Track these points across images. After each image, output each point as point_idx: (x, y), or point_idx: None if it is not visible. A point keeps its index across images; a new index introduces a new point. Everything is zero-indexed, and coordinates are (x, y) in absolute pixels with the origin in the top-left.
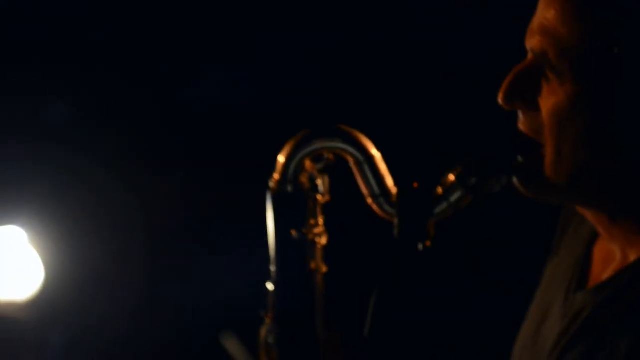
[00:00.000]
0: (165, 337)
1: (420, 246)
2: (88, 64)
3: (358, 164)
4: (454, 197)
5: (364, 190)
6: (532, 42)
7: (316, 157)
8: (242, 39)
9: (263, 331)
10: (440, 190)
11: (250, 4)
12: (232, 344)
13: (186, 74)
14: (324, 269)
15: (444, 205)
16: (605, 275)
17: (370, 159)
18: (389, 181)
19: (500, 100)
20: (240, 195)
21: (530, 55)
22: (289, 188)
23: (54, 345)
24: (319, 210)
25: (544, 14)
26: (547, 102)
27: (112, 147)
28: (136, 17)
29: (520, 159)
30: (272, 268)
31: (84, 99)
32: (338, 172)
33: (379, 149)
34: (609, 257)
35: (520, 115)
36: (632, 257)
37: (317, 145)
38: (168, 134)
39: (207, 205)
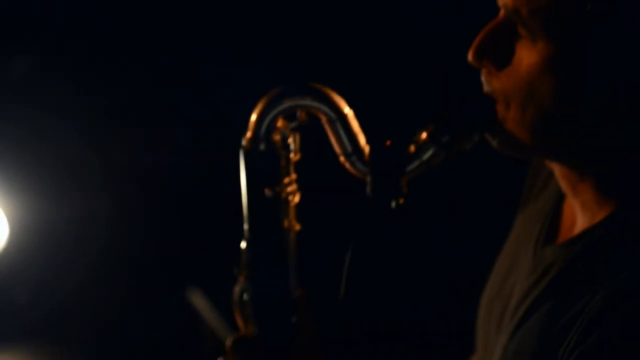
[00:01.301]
0: (125, 291)
1: (393, 204)
2: (50, 21)
3: (330, 122)
4: (426, 155)
5: (337, 148)
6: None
7: (288, 115)
8: None
9: (237, 289)
10: (412, 148)
11: None
12: (197, 299)
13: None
14: (297, 227)
15: (417, 162)
16: (575, 231)
17: (342, 117)
18: (362, 139)
19: (470, 57)
20: (208, 154)
21: (502, 12)
22: (261, 146)
23: (18, 302)
24: (291, 168)
25: None
26: (519, 60)
27: (76, 105)
28: None
29: (490, 116)
30: (245, 226)
31: (48, 57)
32: (311, 130)
33: (351, 106)
34: (578, 213)
35: (485, 77)
36: (600, 215)
37: (289, 103)
38: (136, 92)
39: (176, 164)
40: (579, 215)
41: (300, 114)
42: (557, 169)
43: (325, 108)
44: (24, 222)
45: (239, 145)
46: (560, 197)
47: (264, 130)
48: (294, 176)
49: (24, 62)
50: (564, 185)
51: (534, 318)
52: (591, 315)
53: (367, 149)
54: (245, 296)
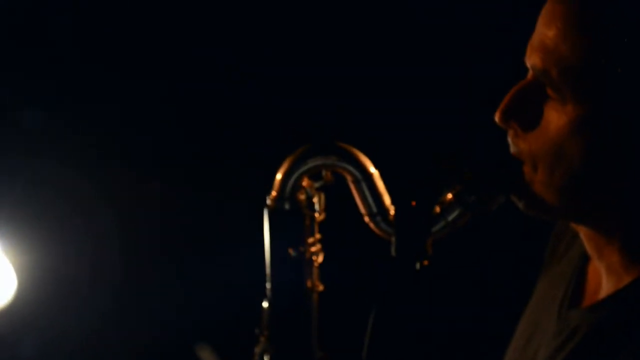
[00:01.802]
0: (139, 345)
1: (418, 265)
2: (58, 69)
3: (356, 181)
4: (452, 216)
5: (362, 208)
6: (533, 60)
7: (314, 175)
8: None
9: (258, 350)
10: (438, 209)
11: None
12: (206, 355)
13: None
14: (320, 287)
15: (442, 223)
16: (601, 295)
17: (368, 176)
18: (387, 199)
19: (497, 118)
20: (225, 208)
21: (530, 73)
22: (286, 205)
23: (26, 356)
24: (315, 228)
25: (545, 32)
26: (547, 121)
27: (86, 154)
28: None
29: (517, 177)
30: (268, 285)
31: (56, 105)
32: (336, 190)
33: (377, 166)
34: (603, 276)
35: (511, 138)
36: (626, 279)
37: (315, 162)
38: (149, 139)
39: (187, 215)
40: (605, 279)
41: (326, 174)
42: (583, 232)
43: (350, 168)
44: (32, 273)
45: (264, 204)
46: (585, 260)
47: (289, 189)
48: (318, 236)
49: (35, 111)
50: (589, 247)
51: None
52: None
53: (392, 209)
54: (265, 357)
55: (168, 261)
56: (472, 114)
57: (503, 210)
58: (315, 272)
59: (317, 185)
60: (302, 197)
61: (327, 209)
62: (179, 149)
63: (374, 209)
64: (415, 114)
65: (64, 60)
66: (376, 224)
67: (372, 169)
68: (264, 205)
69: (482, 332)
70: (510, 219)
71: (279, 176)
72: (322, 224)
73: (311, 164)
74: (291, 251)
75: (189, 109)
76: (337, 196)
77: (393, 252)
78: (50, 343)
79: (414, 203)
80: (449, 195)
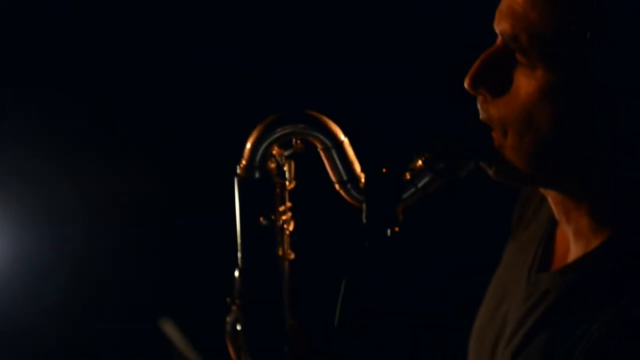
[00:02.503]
0: (103, 317)
1: (389, 232)
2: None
3: (326, 149)
4: (421, 182)
5: (332, 176)
6: (502, 26)
7: (284, 143)
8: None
9: (229, 319)
10: (408, 175)
11: None
12: (170, 330)
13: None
14: (292, 256)
15: (412, 190)
16: (570, 259)
17: (338, 144)
18: (357, 167)
19: (466, 84)
20: (194, 177)
21: (499, 39)
22: (257, 174)
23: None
24: (286, 196)
25: None
26: (517, 87)
27: (49, 138)
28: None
29: (486, 143)
30: (239, 254)
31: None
32: (306, 158)
33: (346, 134)
34: (571, 240)
35: (480, 104)
36: (594, 242)
37: (284, 130)
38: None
39: (157, 184)
40: (573, 242)
41: (296, 142)
42: (551, 196)
43: (320, 135)
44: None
45: (233, 173)
46: (553, 225)
47: (259, 158)
48: (288, 204)
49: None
50: (557, 212)
51: (532, 345)
52: (591, 343)
53: (362, 176)
54: (237, 326)
55: (137, 231)
56: (439, 82)
57: (472, 176)
58: (286, 240)
59: (287, 153)
60: (273, 165)
61: (297, 177)
62: (153, 119)
63: (345, 177)
64: (384, 80)
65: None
66: (347, 191)
67: (342, 137)
68: (234, 174)
69: (452, 296)
70: (479, 184)
71: (248, 145)
72: (292, 192)
73: (280, 132)
74: (262, 220)
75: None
76: (307, 164)
77: (364, 219)
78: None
79: (384, 170)
80: (419, 162)
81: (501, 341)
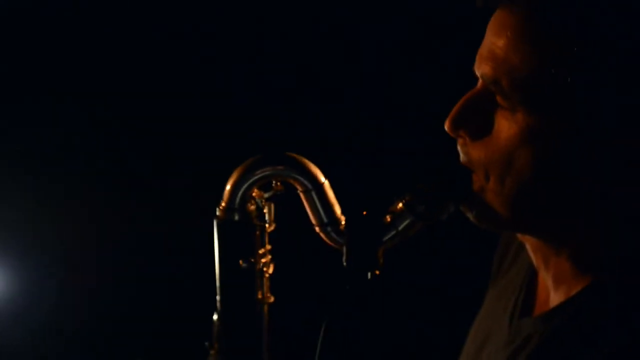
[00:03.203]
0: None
1: (370, 275)
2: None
3: (306, 192)
4: (402, 225)
5: (312, 218)
6: (483, 69)
7: (263, 185)
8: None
9: None
10: (388, 218)
11: None
12: None
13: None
14: (271, 299)
15: (393, 232)
16: (551, 305)
17: (318, 186)
18: (337, 209)
19: (446, 127)
20: (174, 220)
21: (480, 82)
22: (236, 216)
23: None
24: (266, 238)
25: (494, 41)
26: (498, 130)
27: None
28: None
29: (467, 187)
30: (218, 298)
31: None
32: (286, 200)
33: (327, 176)
34: (550, 286)
35: (461, 146)
36: (576, 288)
37: (264, 172)
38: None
39: (138, 227)
40: (553, 289)
41: (276, 184)
42: (530, 243)
43: (300, 177)
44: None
45: (213, 215)
46: (533, 270)
47: (239, 200)
48: (268, 247)
49: None
50: (536, 259)
51: None
52: None
53: (342, 219)
54: None
55: (117, 271)
56: (420, 124)
57: (452, 221)
58: (265, 283)
59: (267, 195)
60: (252, 207)
61: (277, 219)
62: (131, 161)
63: (325, 219)
64: (368, 124)
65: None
66: (327, 234)
67: (322, 179)
68: (213, 216)
69: (433, 342)
70: (459, 229)
71: (228, 187)
72: (272, 234)
73: (260, 174)
74: (241, 262)
75: (143, 119)
76: (287, 206)
77: (344, 262)
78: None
79: (364, 212)
80: (399, 205)
81: None
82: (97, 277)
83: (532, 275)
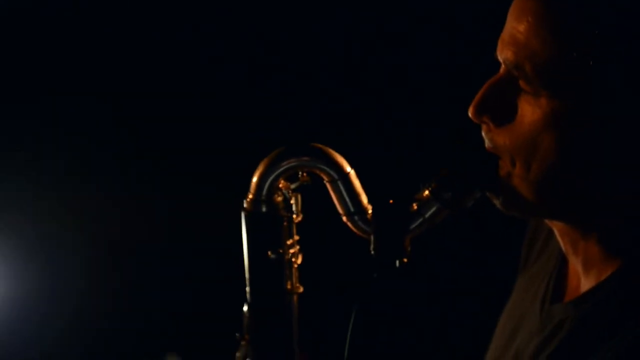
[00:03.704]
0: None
1: (397, 263)
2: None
3: (332, 182)
4: (429, 213)
5: (339, 208)
6: (505, 54)
7: (290, 176)
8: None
9: (239, 355)
10: (415, 206)
11: None
12: None
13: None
14: (300, 289)
15: (419, 220)
16: (582, 290)
17: (344, 176)
18: (364, 198)
19: (470, 113)
20: (202, 212)
21: (503, 68)
22: (263, 208)
23: None
24: (294, 229)
25: (516, 26)
26: (521, 115)
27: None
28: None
29: (493, 173)
30: (248, 289)
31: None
32: (313, 191)
33: (353, 166)
34: (580, 271)
35: (485, 133)
36: (606, 272)
37: (290, 163)
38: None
39: (165, 220)
40: (583, 274)
41: (302, 175)
42: (557, 228)
43: (326, 168)
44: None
45: (240, 208)
46: (564, 256)
47: (266, 192)
48: (296, 237)
49: None
50: (564, 244)
51: None
52: None
53: (369, 208)
54: None
55: (148, 267)
56: (445, 112)
57: (480, 208)
58: (294, 274)
59: (293, 186)
60: (279, 199)
61: (304, 210)
62: (156, 155)
63: (352, 209)
64: (392, 112)
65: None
66: (354, 223)
67: (348, 168)
68: (241, 208)
69: (463, 330)
70: (488, 216)
71: (254, 179)
72: (300, 225)
73: (286, 165)
74: (270, 254)
75: (165, 110)
76: (314, 197)
77: (372, 250)
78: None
79: (391, 201)
80: (426, 193)
81: None
82: (127, 271)
83: (562, 262)
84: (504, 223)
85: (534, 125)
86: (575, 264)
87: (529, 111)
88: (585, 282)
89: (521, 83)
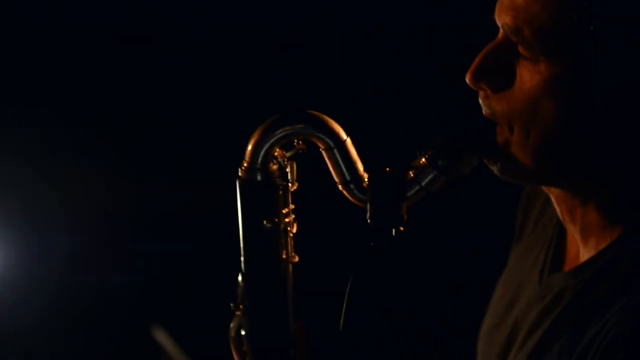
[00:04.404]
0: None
1: (394, 231)
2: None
3: (328, 149)
4: (425, 180)
5: (335, 176)
6: (504, 18)
7: (285, 144)
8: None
9: (233, 324)
10: (411, 173)
11: None
12: (163, 338)
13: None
14: (296, 258)
15: (416, 188)
16: (582, 259)
17: (340, 144)
18: (360, 166)
19: (468, 79)
20: (195, 181)
21: (501, 33)
22: (258, 177)
23: None
24: (289, 198)
25: None
26: (520, 81)
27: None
28: None
29: (490, 140)
30: (242, 259)
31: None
32: (309, 159)
33: (349, 133)
34: (578, 239)
35: (482, 99)
36: (605, 241)
37: (286, 131)
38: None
39: (160, 189)
40: (581, 242)
41: (298, 143)
42: (555, 195)
43: (321, 135)
44: None
45: (235, 176)
46: (562, 225)
47: (261, 160)
48: (291, 206)
49: None
50: (561, 211)
51: (551, 347)
52: (607, 340)
53: (366, 176)
54: (242, 331)
55: (142, 235)
56: (442, 78)
57: (475, 176)
58: (290, 243)
59: (289, 154)
60: (274, 167)
61: (300, 178)
62: (150, 123)
63: (348, 177)
64: (387, 79)
65: None
66: (350, 191)
67: (344, 136)
68: (236, 176)
69: (457, 300)
70: (483, 184)
71: (249, 147)
72: (295, 193)
73: (281, 133)
74: (265, 223)
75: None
76: (310, 165)
77: (368, 219)
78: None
79: (387, 169)
80: (422, 160)
81: (514, 344)
82: (118, 237)
83: (560, 230)
84: (499, 191)
85: (533, 91)
86: (573, 232)
87: (528, 77)
88: (584, 251)
89: (520, 48)
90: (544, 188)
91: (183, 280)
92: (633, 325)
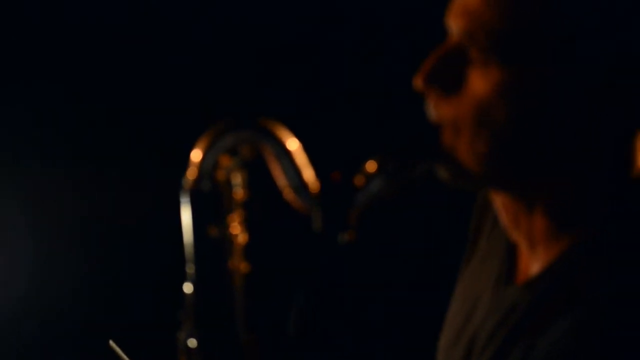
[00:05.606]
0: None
1: (343, 238)
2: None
3: (275, 156)
4: (374, 186)
5: (282, 183)
6: (456, 22)
7: (233, 152)
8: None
9: (182, 335)
10: (360, 179)
11: None
12: (118, 352)
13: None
14: (244, 268)
15: (365, 194)
16: (533, 270)
17: (287, 150)
18: (308, 173)
19: (418, 83)
20: (141, 191)
21: (452, 35)
22: (205, 185)
23: None
24: (237, 206)
25: None
26: (471, 85)
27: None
28: None
29: (440, 144)
30: (189, 269)
31: None
32: (257, 166)
33: (299, 140)
34: (523, 248)
35: (430, 103)
36: (554, 249)
37: (232, 138)
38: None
39: (105, 200)
40: (527, 250)
41: (245, 150)
42: (500, 201)
43: (269, 142)
44: None
45: (180, 185)
46: None
47: (207, 168)
48: (240, 215)
49: None
50: (506, 218)
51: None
52: (559, 348)
53: (314, 182)
54: (189, 343)
55: (84, 249)
56: (392, 84)
57: (426, 184)
58: (238, 252)
59: (236, 162)
60: (222, 175)
61: (248, 186)
62: (94, 136)
63: (296, 184)
64: (336, 86)
65: None
66: (296, 198)
67: (292, 143)
68: (181, 186)
69: (412, 308)
70: (433, 192)
71: (195, 155)
72: (243, 202)
73: (228, 140)
74: (212, 231)
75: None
76: (258, 172)
77: (315, 226)
78: None
79: (336, 175)
80: (372, 166)
81: (471, 358)
82: (67, 254)
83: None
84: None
85: (484, 95)
86: (518, 240)
87: (479, 81)
88: (532, 261)
89: (472, 52)
90: (492, 194)
91: (131, 291)
92: (579, 344)
